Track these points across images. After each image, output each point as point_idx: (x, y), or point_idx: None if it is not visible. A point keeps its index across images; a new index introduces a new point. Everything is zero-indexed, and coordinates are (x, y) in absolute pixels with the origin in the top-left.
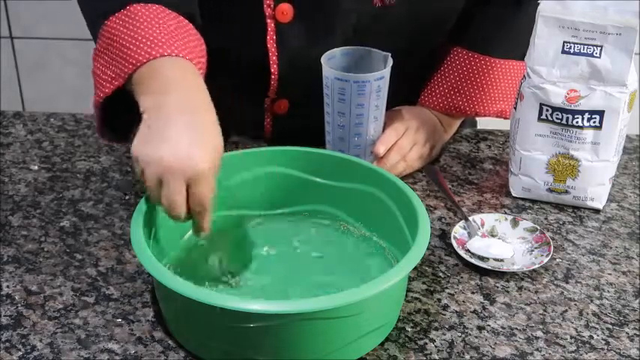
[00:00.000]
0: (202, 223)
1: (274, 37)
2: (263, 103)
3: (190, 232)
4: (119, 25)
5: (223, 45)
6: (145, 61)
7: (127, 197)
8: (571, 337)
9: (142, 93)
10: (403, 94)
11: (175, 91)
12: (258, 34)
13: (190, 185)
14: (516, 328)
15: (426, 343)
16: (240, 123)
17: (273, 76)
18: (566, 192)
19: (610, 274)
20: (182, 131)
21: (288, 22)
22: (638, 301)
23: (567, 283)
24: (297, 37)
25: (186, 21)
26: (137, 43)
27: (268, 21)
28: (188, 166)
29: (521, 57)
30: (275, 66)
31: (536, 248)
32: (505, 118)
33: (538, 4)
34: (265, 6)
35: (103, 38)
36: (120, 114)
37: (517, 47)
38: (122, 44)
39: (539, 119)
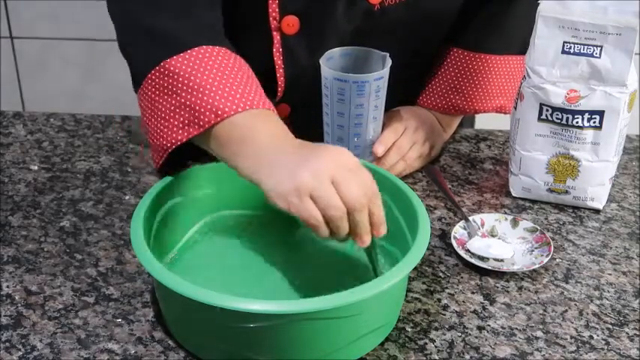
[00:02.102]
0: (380, 213)
1: (280, 50)
2: None
3: (191, 231)
4: (187, 67)
5: None
6: (232, 113)
7: (126, 197)
8: (571, 337)
9: (239, 152)
10: (402, 94)
11: (279, 142)
12: (264, 46)
13: (356, 176)
14: (516, 328)
15: (426, 343)
16: None
17: (280, 88)
18: (566, 192)
19: (610, 274)
20: (309, 153)
21: (294, 34)
22: (638, 301)
23: (567, 283)
24: (303, 48)
25: (244, 62)
26: (217, 91)
27: (274, 33)
28: (345, 160)
29: (519, 51)
30: (282, 78)
31: (536, 248)
32: (505, 113)
33: (538, 3)
34: (271, 19)
35: (162, 75)
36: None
37: (513, 42)
38: (198, 90)
39: (539, 119)
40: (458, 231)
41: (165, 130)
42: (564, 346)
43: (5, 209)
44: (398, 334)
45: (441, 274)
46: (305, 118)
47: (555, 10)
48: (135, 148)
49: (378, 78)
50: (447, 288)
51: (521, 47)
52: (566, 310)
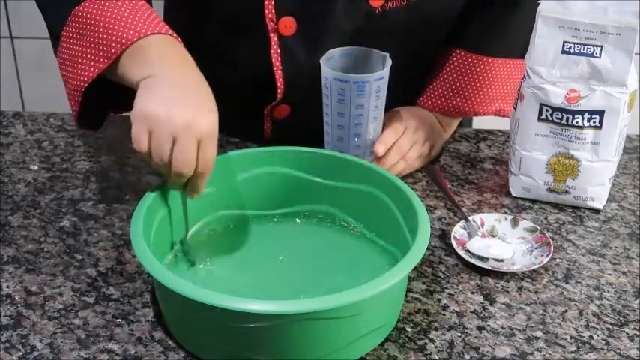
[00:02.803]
0: (201, 185)
1: (278, 51)
2: (264, 109)
3: (191, 231)
4: (93, 9)
5: (227, 59)
6: (135, 39)
7: (126, 197)
8: (571, 337)
9: (135, 65)
10: (402, 95)
11: (172, 63)
12: (262, 48)
13: (200, 146)
14: (516, 328)
15: (426, 343)
16: (239, 127)
17: (279, 90)
18: (566, 192)
19: (610, 274)
20: (188, 95)
21: (291, 35)
22: (638, 301)
23: (567, 283)
24: (301, 48)
25: (147, 4)
26: (122, 24)
27: (271, 35)
28: (203, 125)
29: (520, 55)
30: (281, 80)
31: (536, 248)
32: (504, 116)
33: (538, 4)
34: (267, 20)
35: (74, 24)
36: (91, 101)
37: (515, 46)
38: (104, 27)
39: (539, 119)
40: (458, 231)
41: (78, 71)
42: (564, 346)
43: (5, 209)
44: (398, 334)
45: (441, 274)
46: (305, 118)
47: (555, 10)
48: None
49: (379, 78)
50: (447, 288)
51: (523, 51)
52: (566, 310)
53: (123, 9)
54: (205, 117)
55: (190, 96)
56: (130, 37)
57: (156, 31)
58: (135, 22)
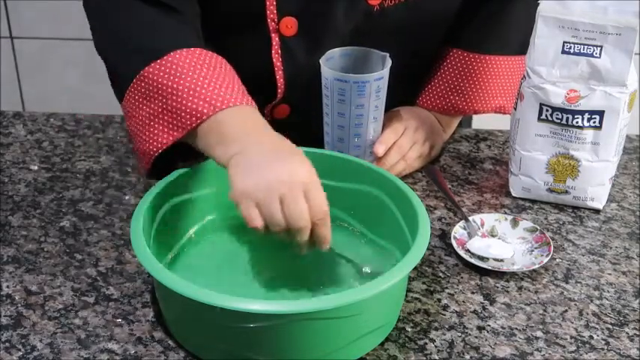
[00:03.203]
0: (326, 232)
1: (279, 52)
2: (263, 108)
3: (191, 231)
4: (163, 73)
5: (228, 60)
6: (211, 114)
7: (126, 197)
8: (571, 337)
9: (218, 144)
10: (402, 95)
11: (254, 135)
12: (262, 48)
13: (307, 195)
14: (516, 328)
15: (426, 343)
16: None
17: (279, 90)
18: (566, 192)
19: (610, 274)
20: (276, 157)
21: (292, 36)
22: (638, 301)
23: (567, 283)
24: (302, 48)
25: (220, 57)
26: (195, 94)
27: (272, 35)
28: (300, 175)
29: (519, 52)
30: (281, 80)
31: (536, 248)
32: (504, 113)
33: (538, 3)
34: (269, 20)
35: (142, 84)
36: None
37: (512, 42)
38: (176, 95)
39: (539, 119)
40: (458, 231)
41: (150, 135)
42: (564, 346)
43: (5, 209)
44: (398, 334)
45: (441, 274)
46: (305, 119)
47: (555, 10)
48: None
49: (379, 78)
50: (447, 288)
51: (521, 47)
52: (566, 310)
53: (195, 75)
54: (300, 167)
55: (277, 157)
56: (205, 110)
57: (231, 104)
58: (209, 93)
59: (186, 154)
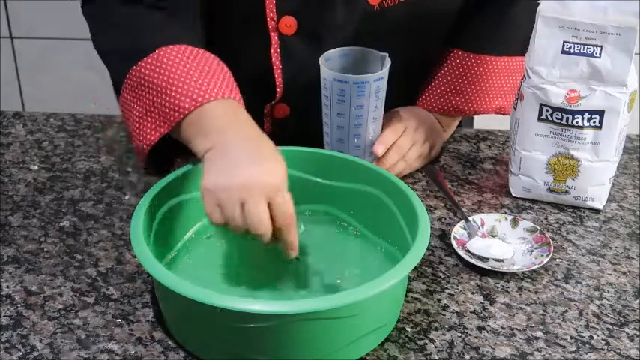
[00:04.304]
0: (291, 238)
1: (278, 51)
2: (263, 108)
3: (191, 231)
4: (150, 70)
5: (227, 59)
6: (192, 108)
7: (126, 197)
8: (571, 337)
9: (197, 136)
10: (402, 95)
11: (231, 129)
12: (262, 47)
13: (272, 202)
14: (516, 328)
15: (426, 343)
16: None
17: (278, 89)
18: (566, 192)
19: (610, 274)
20: (249, 158)
21: (292, 35)
22: (638, 301)
23: (567, 283)
24: (301, 48)
25: (209, 53)
26: (178, 90)
27: (272, 34)
28: (264, 181)
29: (518, 52)
30: (280, 79)
31: (536, 248)
32: (504, 114)
33: (538, 3)
34: (268, 19)
35: (133, 81)
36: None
37: (512, 43)
38: (161, 91)
39: (539, 119)
40: (458, 231)
41: (141, 132)
42: (564, 346)
43: (5, 209)
44: (398, 334)
45: (441, 274)
46: (304, 119)
47: (555, 10)
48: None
49: (378, 78)
50: (447, 288)
51: (521, 48)
52: (566, 310)
53: (180, 71)
54: (266, 173)
55: (250, 158)
56: (186, 105)
57: (212, 98)
58: (191, 88)
59: (184, 146)
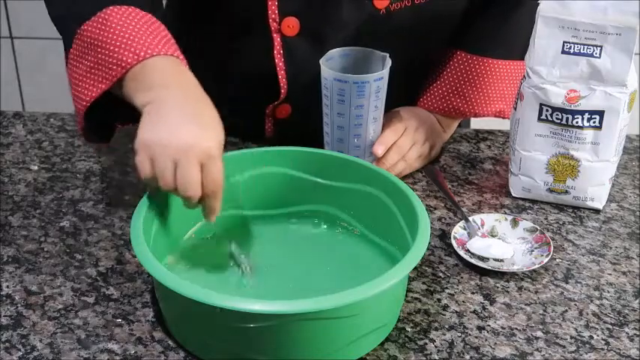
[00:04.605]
0: (215, 205)
1: (281, 52)
2: (265, 108)
3: (191, 231)
4: (96, 29)
5: (229, 60)
6: (135, 62)
7: (126, 197)
8: (571, 338)
9: (138, 90)
10: (403, 96)
11: (173, 86)
12: (263, 49)
13: (203, 166)
14: (516, 328)
15: (426, 343)
16: (240, 126)
17: (282, 90)
18: (566, 192)
19: (610, 274)
20: (189, 118)
21: (294, 36)
22: (638, 301)
23: (567, 283)
24: (304, 49)
25: (156, 19)
26: (122, 46)
27: (274, 35)
28: (202, 145)
29: (520, 56)
30: (284, 80)
31: (536, 248)
32: (504, 117)
33: (538, 4)
34: (271, 20)
35: (79, 42)
36: (99, 115)
37: (515, 47)
38: (105, 48)
39: (539, 119)
40: (458, 231)
41: (82, 90)
42: (564, 346)
43: (5, 209)
44: (398, 334)
45: (441, 274)
46: (305, 118)
47: (555, 10)
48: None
49: (378, 78)
50: (447, 288)
51: (523, 52)
52: (566, 310)
53: (124, 29)
54: (204, 137)
55: (190, 119)
56: (129, 60)
57: (155, 53)
58: (135, 44)
59: (125, 116)
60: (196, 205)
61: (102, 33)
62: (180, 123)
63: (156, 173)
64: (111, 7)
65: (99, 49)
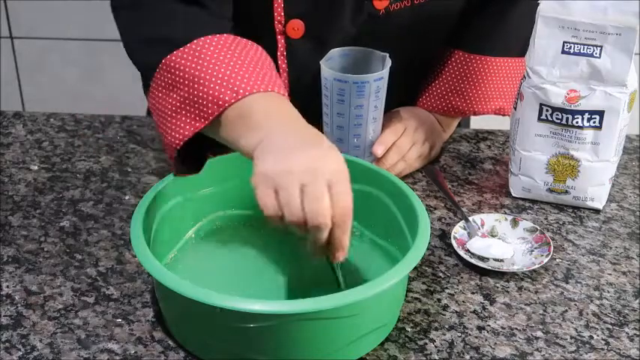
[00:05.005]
0: (344, 239)
1: (285, 54)
2: None
3: (191, 231)
4: (189, 61)
5: None
6: (233, 101)
7: (126, 197)
8: (571, 337)
9: (241, 132)
10: (403, 96)
11: (280, 120)
12: (268, 50)
13: (331, 189)
14: (516, 328)
15: (426, 343)
16: None
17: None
18: (566, 192)
19: (610, 274)
20: (307, 143)
21: (299, 38)
22: (638, 301)
23: (567, 283)
24: (307, 51)
25: (251, 42)
26: (217, 81)
27: (278, 37)
28: (330, 166)
29: (518, 53)
30: (286, 82)
31: (536, 248)
32: (504, 115)
33: (538, 3)
34: (276, 22)
35: (168, 71)
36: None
37: (513, 44)
38: (200, 83)
39: (539, 119)
40: (458, 231)
41: (174, 127)
42: (564, 346)
43: (5, 209)
44: (398, 334)
45: (441, 274)
46: (308, 119)
47: (555, 10)
48: (135, 148)
49: (378, 79)
50: (447, 288)
51: (522, 49)
52: (566, 310)
53: (220, 63)
54: (330, 158)
55: (309, 144)
56: (227, 97)
57: (254, 90)
58: (232, 80)
59: (213, 145)
60: (324, 243)
61: (193, 66)
62: (300, 148)
63: (281, 204)
64: (202, 37)
65: (191, 84)
